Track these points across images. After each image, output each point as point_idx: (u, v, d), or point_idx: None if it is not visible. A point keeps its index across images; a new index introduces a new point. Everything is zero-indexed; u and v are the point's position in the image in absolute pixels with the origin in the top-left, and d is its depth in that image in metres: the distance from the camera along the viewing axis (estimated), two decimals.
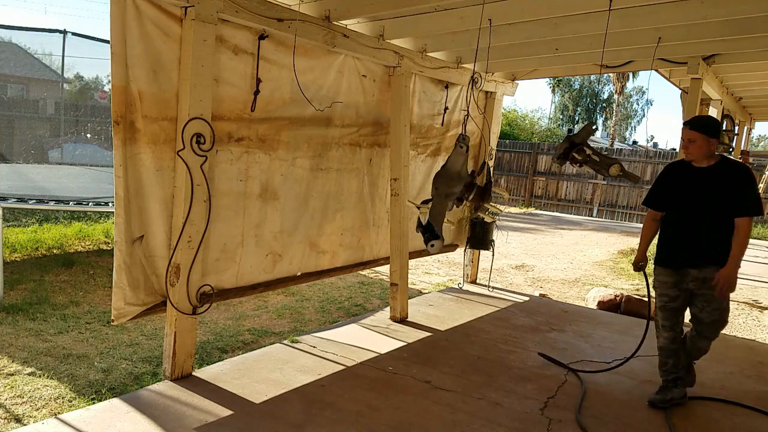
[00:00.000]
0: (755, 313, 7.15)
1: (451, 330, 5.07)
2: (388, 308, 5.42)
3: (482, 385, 3.87)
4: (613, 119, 32.14)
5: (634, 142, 41.07)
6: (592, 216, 19.17)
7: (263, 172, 4.13)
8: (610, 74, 30.97)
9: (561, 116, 43.12)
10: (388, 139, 5.19)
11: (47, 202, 6.43)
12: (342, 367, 4.03)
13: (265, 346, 4.47)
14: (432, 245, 3.28)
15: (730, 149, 7.51)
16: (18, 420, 3.35)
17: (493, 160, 6.67)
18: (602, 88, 42.55)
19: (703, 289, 3.48)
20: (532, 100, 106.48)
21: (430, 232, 3.28)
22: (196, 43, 3.34)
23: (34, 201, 6.34)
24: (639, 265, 3.87)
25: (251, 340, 4.95)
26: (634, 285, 8.46)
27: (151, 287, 3.58)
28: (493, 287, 6.86)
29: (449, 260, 9.27)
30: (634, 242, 12.59)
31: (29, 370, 4.06)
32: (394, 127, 5.06)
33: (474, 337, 4.89)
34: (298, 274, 4.66)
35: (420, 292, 6.75)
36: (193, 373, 3.73)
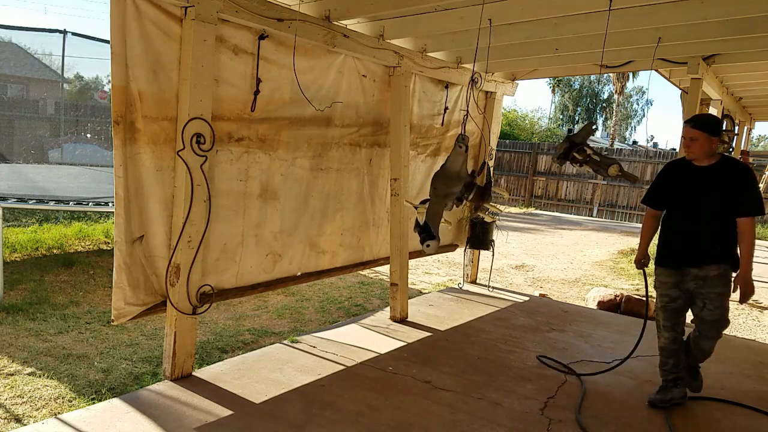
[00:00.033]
0: (755, 313, 7.16)
1: (451, 330, 5.07)
2: (388, 308, 5.42)
3: (482, 385, 3.87)
4: (613, 119, 32.14)
5: (634, 142, 41.09)
6: (592, 216, 19.17)
7: (263, 172, 4.13)
8: (610, 74, 30.97)
9: (561, 116, 43.13)
10: (388, 139, 5.19)
11: (47, 202, 6.43)
12: (342, 367, 4.03)
13: (265, 346, 4.47)
14: (428, 245, 3.27)
15: (730, 149, 7.52)
16: (18, 420, 3.35)
17: (493, 160, 6.67)
18: (602, 88, 42.59)
19: (705, 287, 3.47)
20: (532, 100, 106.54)
21: (427, 232, 3.27)
22: (196, 43, 3.34)
23: (34, 201, 6.34)
24: (641, 263, 3.85)
25: (251, 340, 4.95)
26: (634, 285, 8.46)
27: (151, 287, 3.58)
28: (493, 287, 6.86)
29: (449, 260, 9.27)
30: (634, 242, 12.58)
31: (29, 370, 4.06)
32: (394, 127, 5.07)
33: (474, 337, 4.89)
34: (298, 274, 4.66)
35: (420, 292, 6.75)
36: (193, 373, 3.73)
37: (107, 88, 16.77)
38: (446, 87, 5.77)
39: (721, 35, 4.35)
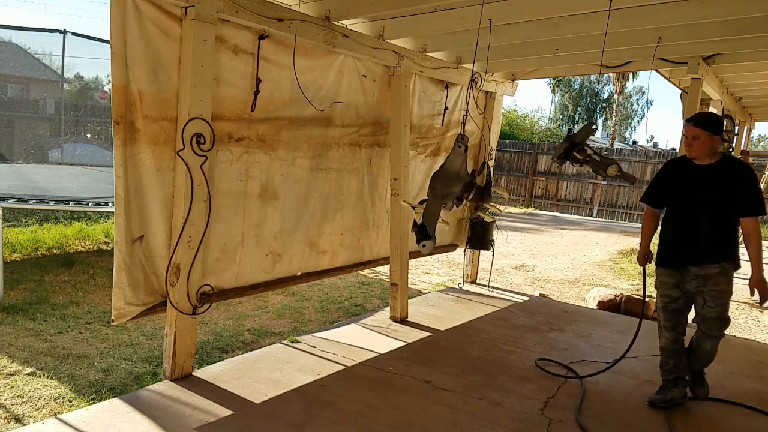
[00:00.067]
0: (755, 313, 7.15)
1: (451, 330, 5.07)
2: (388, 308, 5.42)
3: (482, 385, 3.87)
4: (613, 119, 32.14)
5: (634, 142, 41.09)
6: (592, 216, 19.17)
7: (263, 172, 4.13)
8: (610, 74, 30.97)
9: (561, 116, 43.13)
10: (388, 139, 5.19)
11: (47, 202, 6.43)
12: (342, 367, 4.03)
13: (265, 346, 4.47)
14: (423, 245, 3.27)
15: (731, 149, 7.52)
16: (18, 420, 3.35)
17: (493, 160, 6.67)
18: (602, 88, 42.60)
19: (706, 285, 3.45)
20: (532, 100, 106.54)
21: (423, 232, 3.27)
22: (196, 43, 3.34)
23: (34, 201, 6.34)
24: (644, 259, 3.82)
25: (251, 340, 4.95)
26: (634, 285, 8.46)
27: (151, 287, 3.58)
28: (493, 287, 6.86)
29: (449, 260, 9.27)
30: (634, 242, 12.59)
31: (29, 370, 4.06)
32: (394, 127, 5.07)
33: (474, 337, 4.89)
34: (298, 274, 4.66)
35: (420, 292, 6.75)
36: (193, 373, 3.73)
37: (107, 88, 16.77)
38: (446, 87, 5.77)
39: (721, 35, 4.35)
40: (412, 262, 6.44)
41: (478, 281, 6.99)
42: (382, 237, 5.48)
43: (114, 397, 3.47)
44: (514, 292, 6.84)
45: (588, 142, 3.80)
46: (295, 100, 4.21)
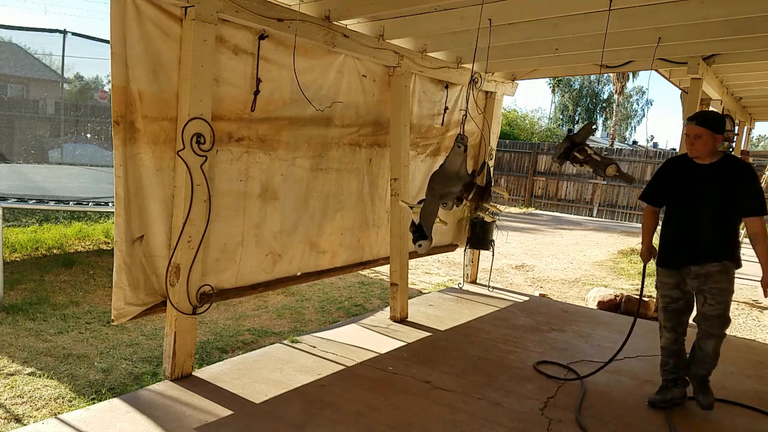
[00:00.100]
0: (755, 313, 7.15)
1: (451, 330, 5.07)
2: (388, 308, 5.42)
3: (482, 385, 3.87)
4: (613, 119, 32.13)
5: (634, 142, 41.09)
6: (592, 216, 19.17)
7: (263, 172, 4.13)
8: (610, 74, 30.97)
9: (561, 116, 43.14)
10: (388, 139, 5.19)
11: (47, 202, 6.43)
12: (342, 367, 4.03)
13: (265, 346, 4.47)
14: (420, 245, 3.27)
15: (731, 149, 7.52)
16: (18, 420, 3.35)
17: (493, 160, 6.67)
18: (602, 88, 42.61)
19: (707, 284, 3.43)
20: (532, 100, 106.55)
21: (419, 232, 3.27)
22: (196, 43, 3.34)
23: (34, 201, 6.34)
24: (649, 253, 3.78)
25: (251, 340, 4.95)
26: (634, 285, 8.46)
27: (151, 287, 3.58)
28: (493, 287, 6.86)
29: (449, 260, 9.27)
30: (634, 242, 12.59)
31: (29, 370, 4.06)
32: (394, 127, 5.07)
33: (474, 337, 4.89)
34: (298, 274, 4.66)
35: (420, 292, 6.75)
36: (193, 373, 3.73)
37: (107, 88, 16.77)
38: (446, 87, 5.77)
39: (721, 35, 4.35)
40: (412, 262, 6.44)
41: (478, 281, 6.99)
42: (382, 237, 5.48)
43: (114, 397, 3.47)
44: (514, 292, 6.84)
45: (588, 142, 3.80)
46: (295, 100, 4.21)
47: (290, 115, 4.23)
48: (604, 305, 6.57)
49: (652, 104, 56.33)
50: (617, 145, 31.70)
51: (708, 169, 3.44)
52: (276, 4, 3.77)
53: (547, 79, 37.97)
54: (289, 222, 4.45)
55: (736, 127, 8.39)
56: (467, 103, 4.16)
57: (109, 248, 8.11)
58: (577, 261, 10.50)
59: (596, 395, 3.83)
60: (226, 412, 3.24)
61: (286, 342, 4.50)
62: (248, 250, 4.14)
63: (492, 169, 5.95)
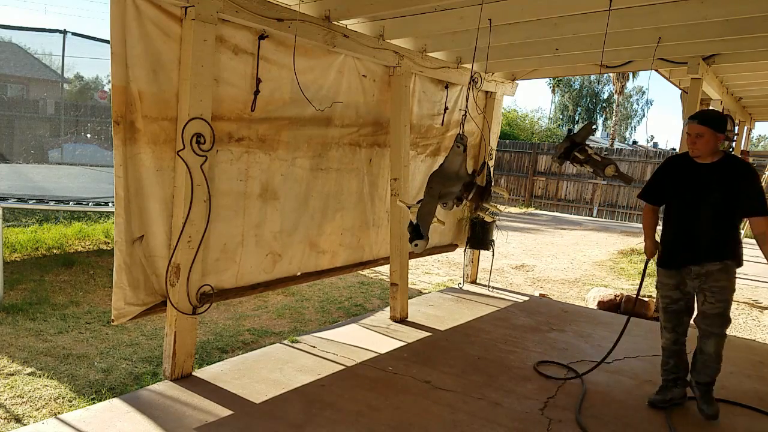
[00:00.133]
0: (755, 313, 7.15)
1: (451, 330, 5.07)
2: (388, 308, 5.42)
3: (482, 385, 3.87)
4: (613, 119, 32.13)
5: (634, 142, 41.09)
6: (592, 216, 19.17)
7: (263, 172, 4.13)
8: (610, 74, 30.97)
9: (561, 116, 43.15)
10: (388, 139, 5.19)
11: (47, 202, 6.43)
12: (342, 367, 4.03)
13: (265, 346, 4.47)
14: (416, 245, 3.27)
15: (731, 149, 7.52)
16: (18, 420, 3.35)
17: (493, 160, 6.67)
18: (602, 88, 42.62)
19: (707, 282, 3.42)
20: (532, 100, 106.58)
21: (416, 231, 3.27)
22: (196, 43, 3.34)
23: (34, 201, 6.34)
24: (654, 248, 3.71)
25: (251, 340, 4.95)
26: (634, 285, 8.46)
27: (151, 287, 3.58)
28: (493, 287, 6.86)
29: (449, 260, 9.27)
30: (634, 242, 12.58)
31: (29, 370, 4.06)
32: (394, 127, 5.07)
33: (474, 337, 4.89)
34: (298, 274, 4.66)
35: (420, 292, 6.75)
36: (193, 373, 3.73)
37: (107, 88, 16.78)
38: (446, 87, 5.77)
39: (721, 35, 4.35)
40: (412, 262, 6.44)
41: (478, 281, 6.99)
42: (382, 237, 5.48)
43: (114, 397, 3.47)
44: (514, 292, 6.84)
45: (588, 142, 3.80)
46: (295, 100, 4.21)
47: (290, 115, 4.23)
48: (604, 305, 6.57)
49: (652, 104, 56.41)
50: (617, 145, 31.70)
51: (708, 168, 3.42)
52: (276, 4, 3.77)
53: (547, 79, 37.97)
54: (289, 222, 4.45)
55: (736, 127, 8.39)
56: (467, 103, 4.15)
57: (109, 248, 8.11)
58: (577, 261, 10.50)
59: (596, 395, 3.83)
60: (226, 412, 3.25)
61: (286, 342, 4.50)
62: (248, 250, 4.14)
63: (492, 169, 5.95)
